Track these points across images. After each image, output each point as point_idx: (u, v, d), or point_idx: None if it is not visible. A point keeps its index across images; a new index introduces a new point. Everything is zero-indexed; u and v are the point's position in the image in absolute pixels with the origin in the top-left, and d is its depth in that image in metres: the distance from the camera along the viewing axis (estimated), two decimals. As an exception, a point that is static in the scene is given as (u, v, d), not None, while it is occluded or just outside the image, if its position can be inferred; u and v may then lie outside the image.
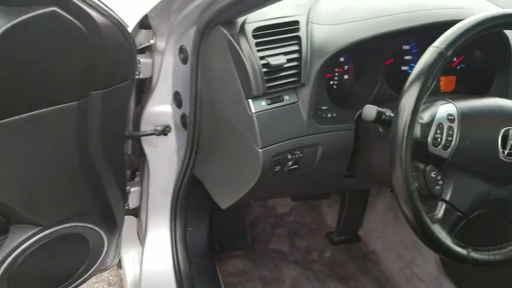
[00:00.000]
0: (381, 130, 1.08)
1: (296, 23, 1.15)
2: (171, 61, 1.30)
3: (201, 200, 1.54)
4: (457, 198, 0.96)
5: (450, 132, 0.95)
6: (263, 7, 1.06)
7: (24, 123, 0.90)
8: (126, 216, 1.45)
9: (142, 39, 1.31)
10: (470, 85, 1.37)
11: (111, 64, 0.97)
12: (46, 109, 0.91)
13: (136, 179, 1.52)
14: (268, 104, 1.10)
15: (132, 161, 1.46)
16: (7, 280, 1.06)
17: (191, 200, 1.51)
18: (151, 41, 1.30)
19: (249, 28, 1.09)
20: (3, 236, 1.03)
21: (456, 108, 0.98)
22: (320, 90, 1.16)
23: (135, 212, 1.59)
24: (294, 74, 1.11)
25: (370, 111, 0.98)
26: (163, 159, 1.44)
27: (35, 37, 0.85)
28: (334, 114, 1.18)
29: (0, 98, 0.86)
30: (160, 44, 1.28)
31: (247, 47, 1.06)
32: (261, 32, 1.10)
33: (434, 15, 1.22)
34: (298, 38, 1.13)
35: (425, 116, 0.97)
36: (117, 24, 0.96)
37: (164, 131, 1.38)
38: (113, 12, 0.96)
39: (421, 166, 0.97)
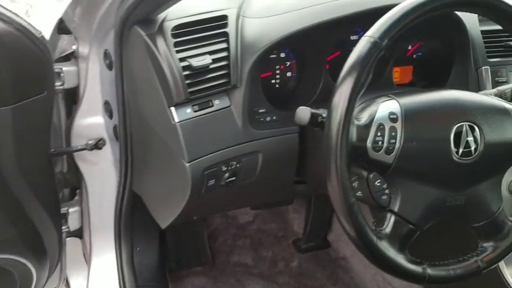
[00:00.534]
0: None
1: (224, 17, 1.02)
2: (97, 68, 1.18)
3: (148, 217, 1.42)
4: (406, 209, 0.84)
5: (393, 133, 0.82)
6: (178, 1, 0.93)
7: None
8: (70, 239, 1.39)
9: (65, 45, 1.19)
10: (428, 75, 1.26)
11: (19, 75, 0.89)
12: None
13: (77, 197, 1.41)
14: (195, 111, 0.97)
15: (67, 180, 1.36)
16: None
17: (136, 218, 1.40)
18: (74, 47, 1.19)
19: (168, 26, 0.97)
20: None
21: (399, 105, 0.85)
22: (255, 92, 1.03)
23: (79, 234, 1.47)
24: (222, 75, 0.99)
25: (303, 113, 0.85)
26: (101, 176, 1.32)
27: None
28: (274, 117, 1.06)
29: None
30: (83, 49, 1.17)
31: (165, 48, 0.94)
32: (182, 30, 0.97)
33: None
34: (226, 34, 1.01)
35: (363, 117, 0.84)
36: (23, 31, 0.88)
37: (98, 145, 1.26)
38: (19, 17, 0.89)
39: (364, 173, 0.85)
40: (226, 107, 1.00)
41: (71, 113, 1.27)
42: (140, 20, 0.98)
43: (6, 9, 0.88)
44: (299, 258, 1.80)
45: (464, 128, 0.85)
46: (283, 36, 1.00)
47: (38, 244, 1.11)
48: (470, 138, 0.86)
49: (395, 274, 0.84)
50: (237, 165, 1.03)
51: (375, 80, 1.22)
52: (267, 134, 1.05)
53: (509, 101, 1.00)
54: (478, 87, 1.21)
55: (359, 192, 0.88)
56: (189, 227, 1.71)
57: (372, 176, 0.84)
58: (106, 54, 1.13)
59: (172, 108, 0.95)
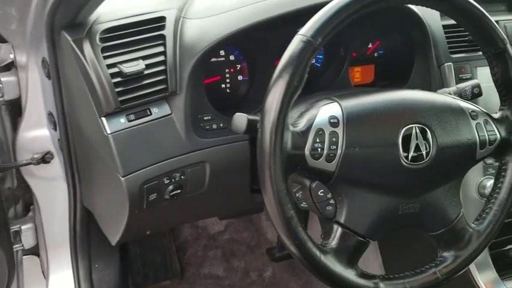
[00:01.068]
0: None
1: (161, 19, 0.95)
2: (37, 77, 1.11)
3: (106, 232, 1.35)
4: (354, 220, 0.78)
5: (334, 139, 0.75)
6: (101, 1, 0.86)
7: None
8: (27, 257, 1.33)
9: (2, 54, 1.12)
10: (390, 74, 1.19)
11: None
12: None
13: (30, 214, 1.34)
14: (130, 121, 0.90)
15: (16, 196, 1.29)
16: None
17: (93, 233, 1.32)
18: (11, 56, 1.11)
19: (97, 30, 0.90)
20: None
21: (341, 108, 0.78)
22: (198, 97, 0.97)
23: (36, 251, 1.41)
24: (159, 82, 0.92)
25: (239, 120, 0.78)
26: (51, 191, 1.25)
27: None
28: (222, 124, 0.99)
29: None
30: (21, 58, 1.10)
31: (91, 54, 0.87)
32: (112, 33, 0.90)
33: None
34: (162, 37, 0.94)
35: (301, 122, 0.77)
36: None
37: (44, 159, 1.19)
38: None
39: (307, 183, 0.78)
40: (167, 115, 0.93)
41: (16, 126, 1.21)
42: (68, 24, 0.91)
43: None
44: (273, 268, 1.73)
45: (413, 131, 0.79)
46: (223, 36, 0.93)
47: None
48: (421, 142, 0.79)
49: None
50: (182, 177, 0.96)
51: (330, 82, 1.16)
52: (213, 142, 0.98)
53: (470, 99, 0.93)
54: (441, 85, 1.15)
55: (303, 203, 0.81)
56: (155, 240, 1.63)
57: (314, 185, 0.77)
58: (44, 63, 1.06)
59: (104, 119, 0.88)
